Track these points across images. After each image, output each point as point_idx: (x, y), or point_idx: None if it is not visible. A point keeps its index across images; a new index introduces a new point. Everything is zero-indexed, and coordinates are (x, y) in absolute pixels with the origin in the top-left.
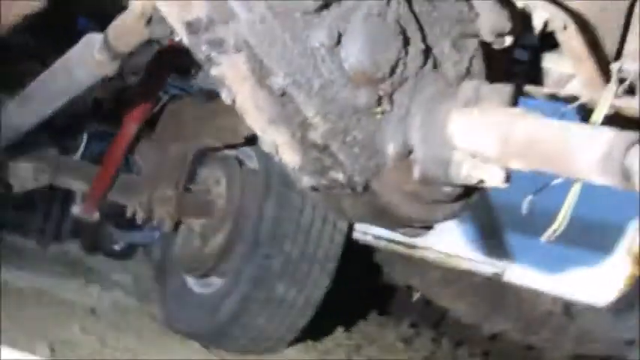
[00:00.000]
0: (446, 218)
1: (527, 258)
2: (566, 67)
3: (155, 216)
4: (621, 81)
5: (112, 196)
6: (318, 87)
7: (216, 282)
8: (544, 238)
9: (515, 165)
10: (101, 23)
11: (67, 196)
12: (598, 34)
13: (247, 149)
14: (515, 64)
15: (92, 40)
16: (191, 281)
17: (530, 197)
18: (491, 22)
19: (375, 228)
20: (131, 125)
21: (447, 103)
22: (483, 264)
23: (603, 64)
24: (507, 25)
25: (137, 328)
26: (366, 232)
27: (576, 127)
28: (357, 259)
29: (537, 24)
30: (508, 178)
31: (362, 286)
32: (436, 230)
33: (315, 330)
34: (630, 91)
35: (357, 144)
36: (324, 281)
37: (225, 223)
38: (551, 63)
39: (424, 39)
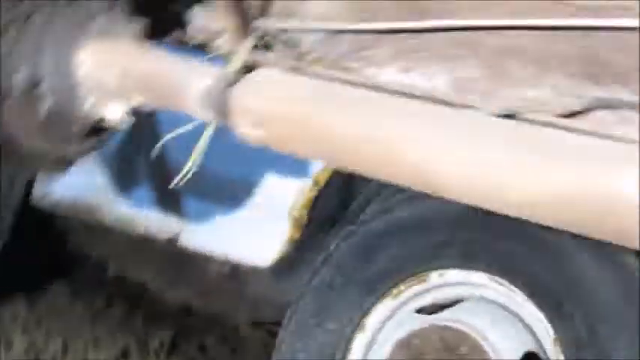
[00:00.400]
0: (76, 156)
1: (199, 221)
2: (218, 22)
3: None
4: (261, 38)
5: None
6: None
7: None
8: (173, 184)
9: (136, 100)
10: None
11: None
12: None
13: None
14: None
15: None
16: None
17: (162, 142)
18: None
19: (54, 192)
20: None
21: (80, 37)
22: (159, 228)
23: (245, 20)
24: None
25: None
26: (44, 197)
27: (189, 64)
28: (42, 228)
29: None
30: (132, 115)
31: (49, 257)
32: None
33: None
34: (266, 47)
35: None
36: None
37: None
38: (204, 18)
39: None
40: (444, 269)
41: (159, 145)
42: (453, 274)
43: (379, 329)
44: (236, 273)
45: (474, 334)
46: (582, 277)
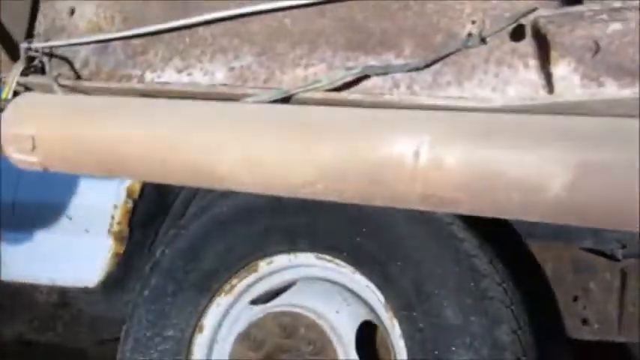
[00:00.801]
0: None
1: (16, 252)
2: None
3: None
4: (31, 59)
5: None
6: None
7: None
8: None
9: None
10: None
11: None
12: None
13: None
14: None
15: None
16: None
17: None
18: None
19: None
20: None
21: None
22: None
23: (10, 44)
24: None
25: None
26: None
27: None
28: None
29: None
30: None
31: None
32: None
33: None
34: (42, 69)
35: None
36: None
37: None
38: None
39: None
40: (271, 256)
41: None
42: (281, 260)
43: (218, 327)
44: (67, 298)
45: (309, 315)
46: (403, 242)
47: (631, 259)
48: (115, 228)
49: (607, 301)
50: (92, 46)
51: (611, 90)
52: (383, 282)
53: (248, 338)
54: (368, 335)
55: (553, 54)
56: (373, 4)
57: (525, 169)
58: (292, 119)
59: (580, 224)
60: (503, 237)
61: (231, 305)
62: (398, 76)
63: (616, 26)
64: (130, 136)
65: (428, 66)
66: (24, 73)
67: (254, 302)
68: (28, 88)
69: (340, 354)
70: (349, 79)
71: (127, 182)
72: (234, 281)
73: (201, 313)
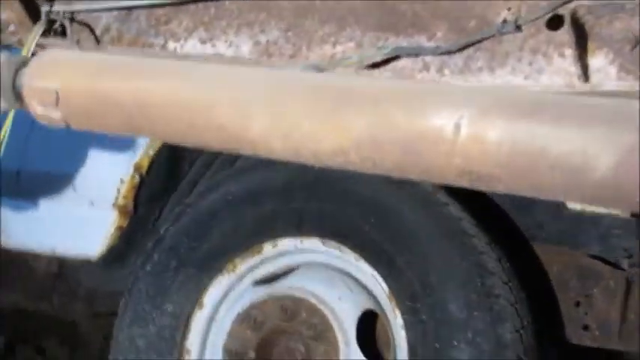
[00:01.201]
0: None
1: (18, 220)
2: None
3: None
4: (52, 22)
5: None
6: None
7: None
8: None
9: None
10: None
11: None
12: None
13: None
14: None
15: None
16: None
17: None
18: None
19: None
20: None
21: None
22: None
23: (32, 6)
24: None
25: None
26: None
27: None
28: None
29: None
30: None
31: None
32: None
33: None
34: (62, 32)
35: None
36: None
37: None
38: None
39: None
40: (277, 239)
41: None
42: (286, 243)
43: (218, 305)
44: (66, 269)
45: (311, 300)
46: (409, 232)
47: (636, 269)
48: (121, 201)
49: (609, 308)
50: (115, 12)
51: None
52: (388, 272)
53: (248, 318)
54: (369, 325)
55: (590, 45)
56: None
57: (570, 147)
58: (329, 85)
59: (624, 209)
60: (510, 237)
61: (233, 285)
62: (428, 58)
63: None
64: (159, 95)
65: (460, 50)
66: (44, 35)
67: (257, 283)
68: None
69: (340, 340)
70: (380, 58)
71: (136, 158)
72: (237, 261)
73: (202, 291)
